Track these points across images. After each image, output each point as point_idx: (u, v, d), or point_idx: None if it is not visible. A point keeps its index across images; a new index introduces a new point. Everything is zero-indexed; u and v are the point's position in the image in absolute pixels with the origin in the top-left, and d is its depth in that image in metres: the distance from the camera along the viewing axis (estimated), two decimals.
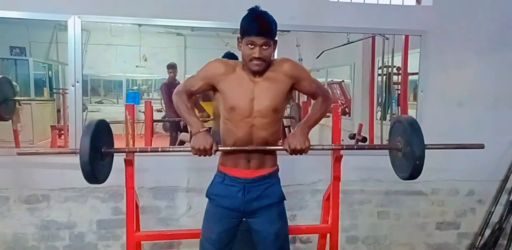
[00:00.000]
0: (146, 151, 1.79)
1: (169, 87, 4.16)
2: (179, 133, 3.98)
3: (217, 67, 1.58)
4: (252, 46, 1.49)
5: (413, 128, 1.60)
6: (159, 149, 1.68)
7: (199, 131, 1.54)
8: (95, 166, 1.54)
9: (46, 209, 2.46)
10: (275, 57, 4.03)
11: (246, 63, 1.54)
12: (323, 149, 1.69)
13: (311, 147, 1.58)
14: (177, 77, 4.36)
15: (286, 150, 1.57)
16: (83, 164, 1.49)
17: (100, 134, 1.59)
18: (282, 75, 1.58)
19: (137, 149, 1.80)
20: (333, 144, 2.03)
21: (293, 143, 1.54)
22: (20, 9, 2.28)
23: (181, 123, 3.72)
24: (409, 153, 1.60)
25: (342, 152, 2.12)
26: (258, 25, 1.48)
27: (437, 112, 2.68)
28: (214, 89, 1.61)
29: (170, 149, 1.68)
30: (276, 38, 1.57)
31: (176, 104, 1.61)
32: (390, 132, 1.77)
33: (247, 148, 1.57)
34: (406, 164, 1.65)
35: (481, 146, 1.70)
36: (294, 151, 1.55)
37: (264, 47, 1.49)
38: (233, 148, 1.59)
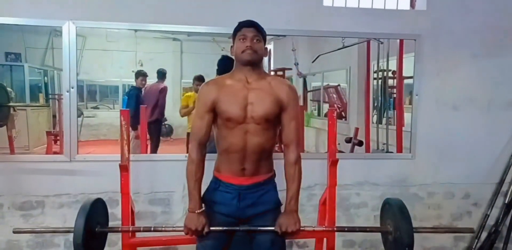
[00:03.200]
0: (139, 231, 1.83)
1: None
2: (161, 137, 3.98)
3: (209, 90, 1.60)
4: (244, 40, 1.56)
5: (402, 214, 1.59)
6: (152, 229, 1.71)
7: (195, 212, 1.57)
8: (88, 247, 1.55)
9: (41, 215, 2.43)
10: (272, 63, 4.11)
11: (239, 57, 1.57)
12: (314, 231, 1.72)
13: (302, 228, 1.59)
14: (165, 83, 4.45)
15: (277, 232, 1.57)
16: (76, 246, 1.51)
17: (95, 213, 1.62)
18: (278, 93, 1.60)
19: (130, 228, 1.89)
20: (324, 226, 2.07)
21: (284, 225, 1.56)
22: (15, 15, 2.27)
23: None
24: (399, 238, 1.59)
25: (337, 156, 2.13)
26: (249, 21, 1.61)
27: (432, 116, 2.69)
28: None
29: (163, 228, 1.71)
30: (267, 46, 1.64)
31: (187, 166, 1.61)
32: (381, 213, 1.77)
33: (238, 228, 1.61)
34: (396, 248, 1.63)
35: (471, 231, 1.70)
36: (285, 234, 1.57)
37: (255, 40, 1.57)
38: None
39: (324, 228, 1.95)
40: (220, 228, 1.59)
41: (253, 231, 1.61)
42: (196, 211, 1.57)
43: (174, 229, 1.72)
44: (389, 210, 1.69)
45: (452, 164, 2.72)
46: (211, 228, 1.58)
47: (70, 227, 1.56)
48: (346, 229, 1.90)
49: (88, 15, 2.33)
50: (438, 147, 2.71)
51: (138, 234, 2.11)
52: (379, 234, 1.76)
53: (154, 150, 3.51)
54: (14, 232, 1.67)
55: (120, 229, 1.87)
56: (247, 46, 1.55)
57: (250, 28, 1.58)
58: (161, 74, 4.57)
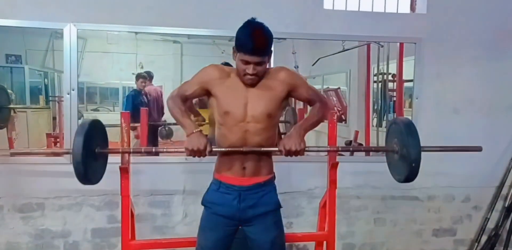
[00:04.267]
0: (140, 152, 1.78)
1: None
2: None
3: (212, 72, 1.59)
4: (247, 64, 1.49)
5: (409, 130, 1.57)
6: (153, 150, 1.67)
7: (193, 132, 1.53)
8: (89, 167, 1.51)
9: (41, 217, 2.43)
10: (271, 64, 4.11)
11: (240, 76, 1.55)
12: (318, 150, 1.67)
13: (307, 148, 1.56)
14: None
15: (281, 151, 1.54)
16: (76, 164, 1.46)
17: (94, 134, 1.56)
18: (278, 82, 1.59)
19: (131, 150, 1.80)
20: (329, 146, 1.99)
21: (288, 144, 1.52)
22: (17, 17, 2.28)
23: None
24: (405, 155, 1.57)
25: (338, 159, 2.13)
26: (254, 44, 1.44)
27: (432, 119, 2.69)
28: (209, 94, 1.61)
29: (165, 149, 1.67)
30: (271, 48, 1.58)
31: (170, 107, 1.61)
32: (387, 134, 1.75)
33: (241, 149, 1.56)
34: (402, 166, 1.63)
35: (478, 149, 1.68)
36: (289, 153, 1.53)
37: (257, 65, 1.50)
38: (227, 149, 1.58)
39: (328, 148, 1.90)
40: (224, 149, 1.57)
41: (256, 152, 1.57)
42: (194, 131, 1.53)
43: (176, 149, 1.63)
44: (396, 128, 1.65)
45: (452, 168, 2.71)
46: (214, 149, 1.55)
47: (69, 148, 1.50)
48: (351, 149, 1.86)
49: (89, 17, 2.34)
50: (439, 145, 2.70)
51: (138, 237, 2.10)
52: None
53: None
54: (11, 154, 1.61)
55: (120, 150, 1.79)
56: (249, 73, 1.50)
57: (254, 57, 1.47)
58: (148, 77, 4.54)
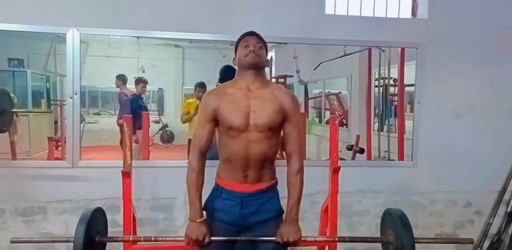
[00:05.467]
0: (139, 240, 1.81)
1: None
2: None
3: (211, 99, 1.61)
4: (247, 46, 1.59)
5: (403, 222, 1.60)
6: (152, 239, 1.68)
7: (196, 220, 1.56)
8: None
9: (43, 221, 2.43)
10: (273, 70, 4.12)
11: (242, 61, 1.59)
12: (315, 241, 1.70)
13: (303, 238, 1.59)
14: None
15: (278, 242, 1.56)
16: None
17: (96, 222, 1.61)
18: (280, 103, 1.60)
19: (130, 238, 1.84)
20: (325, 236, 2.03)
21: (285, 235, 1.54)
22: (20, 22, 2.29)
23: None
24: (399, 247, 1.59)
25: (339, 163, 2.13)
26: (251, 31, 1.65)
27: (434, 124, 2.69)
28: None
29: (164, 238, 1.69)
30: (269, 55, 1.66)
31: (187, 174, 1.59)
32: (381, 224, 1.77)
33: (239, 238, 1.58)
34: None
35: (470, 241, 1.70)
36: (287, 244, 1.57)
37: (257, 47, 1.59)
38: (226, 238, 1.57)
39: (325, 239, 1.94)
40: (222, 238, 1.58)
41: (254, 241, 1.60)
42: (197, 220, 1.56)
43: (175, 239, 1.70)
44: (390, 220, 1.69)
45: (454, 172, 2.71)
46: (212, 238, 1.57)
47: (70, 236, 1.55)
48: (347, 239, 1.89)
49: (92, 22, 2.35)
50: (440, 154, 2.71)
51: (139, 242, 2.09)
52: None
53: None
54: (12, 242, 1.65)
55: (120, 238, 1.85)
56: (250, 49, 1.58)
57: (253, 36, 1.62)
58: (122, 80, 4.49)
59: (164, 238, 1.68)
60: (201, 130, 1.61)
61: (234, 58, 1.67)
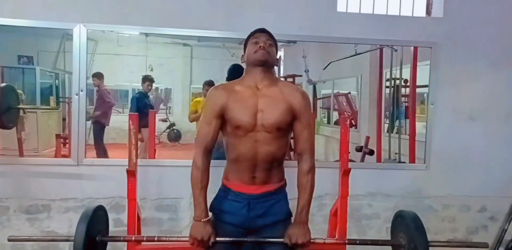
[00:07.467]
0: (142, 240, 1.77)
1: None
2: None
3: (218, 95, 1.55)
4: (257, 43, 1.55)
5: (416, 225, 1.54)
6: (155, 239, 1.64)
7: (201, 220, 1.51)
8: None
9: (47, 219, 2.41)
10: (281, 69, 4.07)
11: (251, 57, 1.55)
12: (324, 243, 1.66)
13: (312, 240, 1.54)
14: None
15: (286, 244, 1.52)
16: None
17: (97, 221, 1.57)
18: (289, 102, 1.54)
19: (133, 238, 1.81)
20: (334, 238, 1.99)
21: (294, 237, 1.50)
22: (27, 17, 2.28)
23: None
24: None
25: (350, 165, 2.07)
26: (261, 28, 1.61)
27: (448, 126, 2.62)
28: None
29: (167, 238, 1.65)
30: (277, 57, 1.62)
31: (192, 173, 1.55)
32: (392, 226, 1.72)
33: (246, 239, 1.53)
34: None
35: (485, 245, 1.63)
36: (295, 246, 1.52)
37: (267, 44, 1.55)
38: (230, 239, 1.52)
39: (334, 241, 1.88)
40: (227, 239, 1.53)
41: (261, 242, 1.55)
42: (202, 220, 1.51)
43: (179, 239, 1.66)
44: (402, 222, 1.63)
45: (468, 176, 2.64)
46: (218, 239, 1.52)
47: (70, 235, 1.52)
48: (357, 242, 1.82)
49: (99, 18, 2.33)
50: (453, 158, 2.64)
51: (143, 242, 2.06)
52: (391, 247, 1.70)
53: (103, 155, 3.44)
54: (9, 240, 1.61)
55: (122, 238, 1.81)
56: (260, 46, 1.54)
57: (264, 33, 1.58)
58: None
59: (167, 238, 1.65)
60: (206, 127, 1.55)
61: (242, 55, 1.62)
